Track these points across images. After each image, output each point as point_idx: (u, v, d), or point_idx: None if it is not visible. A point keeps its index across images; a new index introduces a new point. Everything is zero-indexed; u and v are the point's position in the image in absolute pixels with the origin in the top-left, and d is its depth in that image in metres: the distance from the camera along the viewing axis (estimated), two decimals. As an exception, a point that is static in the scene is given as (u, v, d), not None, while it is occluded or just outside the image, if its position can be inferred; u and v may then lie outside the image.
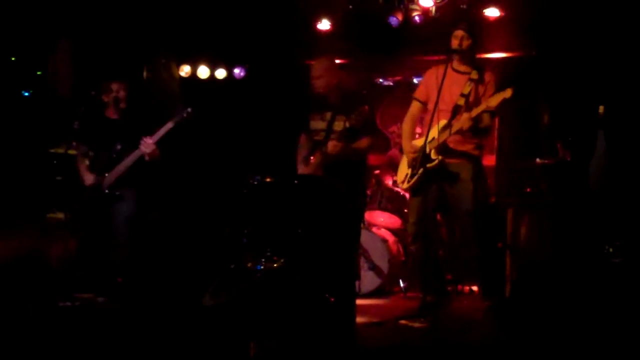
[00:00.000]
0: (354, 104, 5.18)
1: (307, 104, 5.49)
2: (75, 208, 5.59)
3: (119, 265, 5.60)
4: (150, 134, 5.57)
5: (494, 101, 4.91)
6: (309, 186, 4.98)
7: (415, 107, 5.42)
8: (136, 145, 5.56)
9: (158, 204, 6.51)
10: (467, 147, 5.15)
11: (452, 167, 5.12)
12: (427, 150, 5.10)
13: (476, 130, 5.08)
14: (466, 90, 5.09)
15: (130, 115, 5.72)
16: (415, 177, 5.14)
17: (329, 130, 5.28)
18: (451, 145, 5.12)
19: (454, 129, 5.04)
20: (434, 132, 5.05)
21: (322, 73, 5.31)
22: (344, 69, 8.45)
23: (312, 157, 5.33)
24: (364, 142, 5.27)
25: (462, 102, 5.09)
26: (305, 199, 4.88)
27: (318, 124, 5.38)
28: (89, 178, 5.58)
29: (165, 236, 6.68)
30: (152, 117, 5.82)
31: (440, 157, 5.07)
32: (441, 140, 5.06)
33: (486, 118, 5.08)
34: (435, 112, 5.00)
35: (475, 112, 4.98)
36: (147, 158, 5.55)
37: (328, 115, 5.33)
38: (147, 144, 5.51)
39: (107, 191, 5.54)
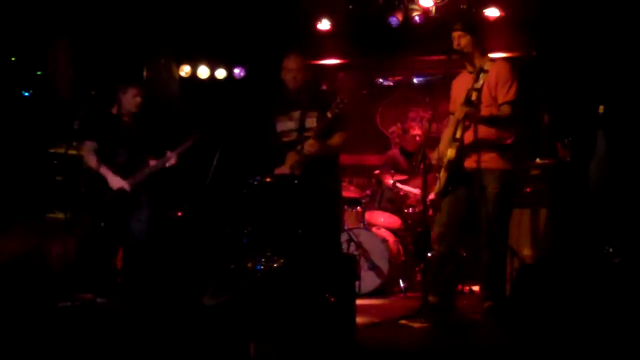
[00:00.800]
0: (326, 98, 5.15)
1: (272, 108, 5.43)
2: (91, 207, 5.58)
3: (129, 267, 5.62)
4: (153, 135, 5.61)
5: (479, 83, 4.92)
6: (304, 186, 4.96)
7: (451, 120, 5.39)
8: (145, 149, 5.62)
9: (158, 204, 6.51)
10: (486, 144, 5.07)
11: (470, 170, 5.10)
12: (445, 151, 5.14)
13: (493, 122, 5.04)
14: (478, 85, 5.07)
15: (140, 119, 5.74)
16: (441, 180, 5.12)
17: (301, 128, 5.23)
18: (467, 142, 5.08)
19: (455, 119, 5.05)
20: (448, 134, 5.12)
21: (296, 67, 5.25)
22: (344, 69, 8.50)
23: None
24: (337, 139, 5.20)
25: (474, 96, 5.05)
26: (303, 199, 4.87)
27: (286, 125, 5.30)
28: (116, 181, 5.57)
29: (165, 236, 6.69)
30: (152, 117, 5.83)
31: (454, 150, 5.03)
32: (452, 137, 5.07)
33: (505, 109, 5.02)
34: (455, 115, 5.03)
35: (465, 100, 4.95)
36: (160, 168, 5.73)
37: (296, 114, 5.26)
38: (172, 159, 5.71)
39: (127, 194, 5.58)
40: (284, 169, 5.21)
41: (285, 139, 5.29)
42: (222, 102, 8.00)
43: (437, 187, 5.18)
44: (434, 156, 5.30)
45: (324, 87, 7.71)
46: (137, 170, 5.66)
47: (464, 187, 5.14)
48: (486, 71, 4.99)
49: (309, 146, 5.06)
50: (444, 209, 5.22)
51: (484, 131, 5.03)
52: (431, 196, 5.36)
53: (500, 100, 5.03)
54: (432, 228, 5.42)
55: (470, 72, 5.16)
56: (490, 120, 5.02)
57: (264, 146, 5.55)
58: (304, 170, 5.09)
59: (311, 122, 5.19)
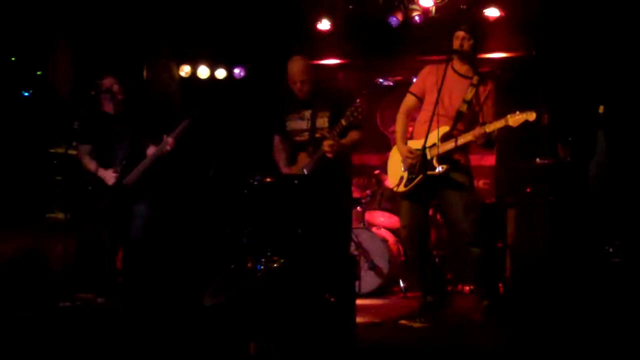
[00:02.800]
0: (339, 98, 5.11)
1: (282, 105, 5.39)
2: (94, 207, 5.57)
3: (129, 265, 5.61)
4: (152, 132, 5.61)
5: (516, 123, 4.77)
6: (306, 186, 4.95)
7: (410, 101, 5.27)
8: (140, 143, 5.59)
9: (158, 204, 6.51)
10: (460, 156, 5.05)
11: (450, 175, 5.02)
12: (428, 156, 4.98)
13: (486, 144, 5.00)
14: (468, 97, 4.98)
15: (131, 111, 5.73)
16: (414, 182, 5.00)
17: (313, 128, 5.19)
18: (453, 154, 5.01)
19: (463, 140, 4.92)
20: (433, 138, 4.94)
21: (300, 77, 5.15)
22: (344, 69, 8.50)
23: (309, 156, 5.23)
24: (353, 136, 5.13)
25: (464, 108, 4.98)
26: (303, 199, 4.85)
27: (297, 124, 5.23)
28: (110, 177, 5.56)
29: (165, 236, 6.68)
30: (151, 116, 5.83)
31: (445, 167, 4.94)
32: (445, 149, 4.94)
33: (495, 132, 4.96)
34: (435, 116, 4.88)
35: (492, 127, 4.84)
36: (159, 154, 5.62)
37: (307, 113, 5.20)
38: (169, 143, 5.61)
39: (128, 191, 5.56)
40: (295, 169, 5.19)
41: (296, 139, 5.24)
42: (225, 102, 8.01)
43: (406, 188, 5.06)
44: (406, 153, 5.10)
45: (336, 84, 7.68)
46: (137, 165, 5.63)
47: (431, 190, 5.07)
48: (476, 86, 4.99)
49: (329, 148, 4.98)
50: (404, 212, 5.14)
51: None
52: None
53: (484, 119, 4.98)
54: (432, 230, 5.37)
55: (460, 76, 5.09)
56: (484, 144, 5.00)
57: (270, 145, 5.52)
58: (315, 170, 5.06)
59: (322, 122, 5.13)
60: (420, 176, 4.97)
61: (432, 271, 5.22)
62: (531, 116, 4.76)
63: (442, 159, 4.97)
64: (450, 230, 5.70)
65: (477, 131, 4.87)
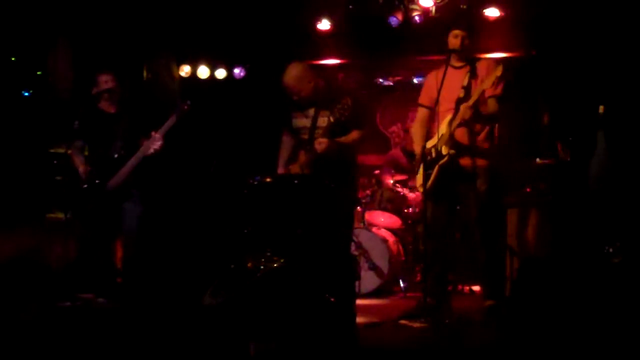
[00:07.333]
0: (335, 98, 5.10)
1: (289, 102, 5.39)
2: (83, 208, 5.55)
3: (126, 264, 5.59)
4: (150, 133, 5.58)
5: (488, 82, 4.86)
6: (304, 186, 4.94)
7: (422, 113, 5.37)
8: (136, 143, 5.57)
9: (158, 204, 6.51)
10: (476, 140, 5.08)
11: (464, 168, 5.07)
12: (438, 147, 5.06)
13: (482, 118, 5.03)
14: (465, 82, 5.05)
15: (128, 110, 5.71)
16: (431, 178, 5.08)
17: (313, 127, 5.19)
18: (460, 140, 5.05)
19: (456, 121, 4.99)
20: (442, 129, 5.03)
21: (294, 84, 5.15)
22: (344, 69, 8.50)
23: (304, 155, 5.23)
24: (353, 135, 5.14)
25: (462, 94, 5.04)
26: (303, 199, 4.85)
27: (301, 122, 5.24)
28: (84, 170, 5.52)
29: (165, 236, 6.68)
30: (151, 116, 5.82)
31: (451, 152, 5.01)
32: (447, 134, 5.02)
33: (492, 104, 5.02)
34: (438, 111, 4.97)
35: (472, 99, 4.92)
36: (151, 152, 5.56)
37: (311, 111, 5.20)
38: (156, 139, 5.54)
39: (115, 190, 5.53)
40: (294, 167, 5.20)
41: (300, 136, 5.26)
42: (225, 102, 8.01)
43: (427, 186, 5.12)
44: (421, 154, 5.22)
45: (334, 83, 7.67)
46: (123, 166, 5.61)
47: (452, 185, 5.13)
48: (473, 69, 5.01)
49: (318, 144, 5.01)
50: (429, 209, 5.18)
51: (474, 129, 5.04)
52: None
53: (487, 94, 5.01)
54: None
55: (457, 69, 5.13)
56: (479, 118, 5.02)
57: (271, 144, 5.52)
58: (316, 169, 5.06)
59: (323, 121, 5.14)
60: (435, 169, 5.05)
61: (440, 272, 5.23)
62: (498, 71, 4.86)
63: (450, 145, 5.02)
64: (465, 228, 5.72)
65: (462, 107, 4.96)
